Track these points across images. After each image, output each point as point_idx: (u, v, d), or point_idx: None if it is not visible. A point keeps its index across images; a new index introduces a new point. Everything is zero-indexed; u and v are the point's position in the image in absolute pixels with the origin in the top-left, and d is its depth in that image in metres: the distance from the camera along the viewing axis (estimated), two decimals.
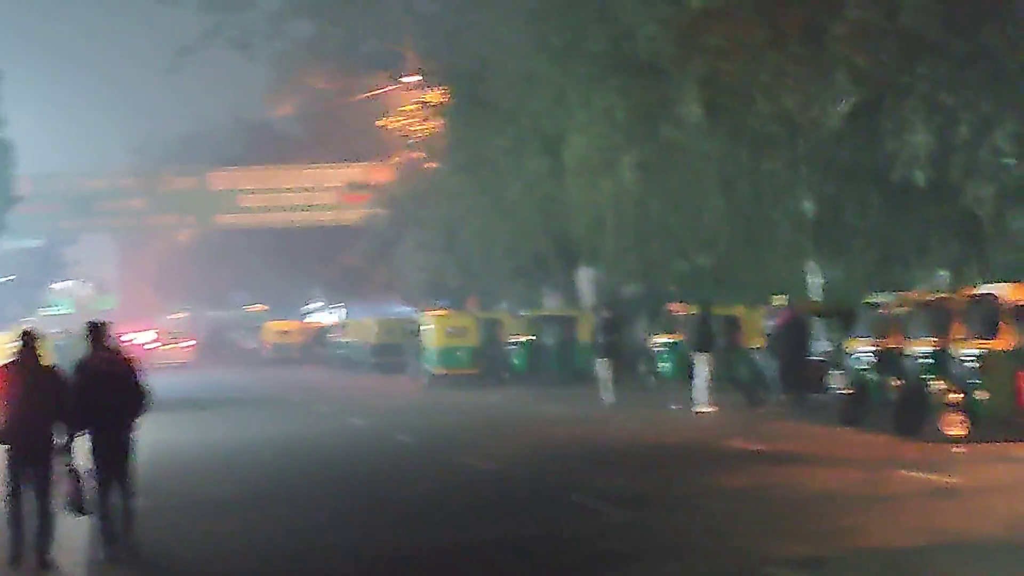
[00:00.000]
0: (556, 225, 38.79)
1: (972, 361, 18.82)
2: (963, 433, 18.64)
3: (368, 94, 61.49)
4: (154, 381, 38.92)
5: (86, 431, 12.23)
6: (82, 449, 12.29)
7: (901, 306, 21.92)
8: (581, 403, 29.65)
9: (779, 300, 26.82)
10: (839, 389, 22.90)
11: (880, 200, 27.28)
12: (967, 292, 20.40)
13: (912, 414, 19.81)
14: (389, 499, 15.68)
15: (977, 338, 19.00)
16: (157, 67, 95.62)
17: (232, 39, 62.56)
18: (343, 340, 56.75)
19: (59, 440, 12.07)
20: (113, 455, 12.40)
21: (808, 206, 29.15)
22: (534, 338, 38.72)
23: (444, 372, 38.81)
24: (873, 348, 21.77)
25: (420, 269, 51.99)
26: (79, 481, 12.07)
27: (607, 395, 27.68)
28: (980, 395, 18.61)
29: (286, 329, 69.97)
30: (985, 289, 20.01)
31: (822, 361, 24.85)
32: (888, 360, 21.29)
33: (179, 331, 78.90)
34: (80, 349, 13.79)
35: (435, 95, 49.75)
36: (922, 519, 12.59)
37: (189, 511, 15.57)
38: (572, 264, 43.21)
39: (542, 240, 41.09)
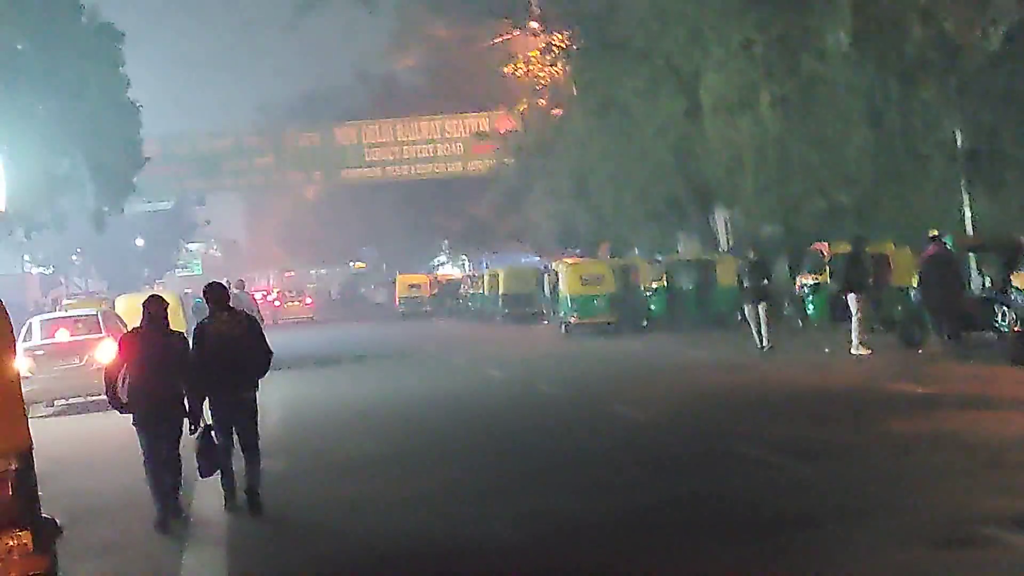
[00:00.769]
0: (691, 167, 37.64)
1: None
2: None
3: (491, 42, 60.53)
4: (285, 338, 38.36)
5: (208, 392, 12.42)
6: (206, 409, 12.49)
7: None
8: (726, 348, 28.62)
9: (932, 233, 25.35)
10: (1007, 327, 21.66)
11: None
12: None
13: None
14: (545, 456, 14.69)
15: None
16: (279, 24, 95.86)
17: None
18: (474, 291, 56.21)
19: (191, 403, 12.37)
20: (235, 415, 12.52)
21: (961, 137, 27.75)
22: (671, 283, 37.71)
23: (580, 320, 37.96)
24: None
25: (550, 217, 51.19)
26: (209, 441, 12.32)
27: (760, 340, 26.48)
28: None
29: (416, 282, 69.73)
30: None
31: (984, 298, 23.56)
32: None
33: (299, 288, 79.44)
34: None
35: (560, 39, 48.69)
36: None
37: (329, 473, 14.86)
38: (707, 207, 42.08)
39: (677, 183, 39.96)
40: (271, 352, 12.87)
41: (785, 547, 9.50)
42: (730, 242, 43.01)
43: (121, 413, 12.44)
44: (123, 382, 12.28)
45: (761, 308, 26.45)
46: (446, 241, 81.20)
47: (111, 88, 38.03)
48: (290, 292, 79.18)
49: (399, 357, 34.55)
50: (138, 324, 12.73)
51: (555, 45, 48.21)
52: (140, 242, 76.31)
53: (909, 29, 24.79)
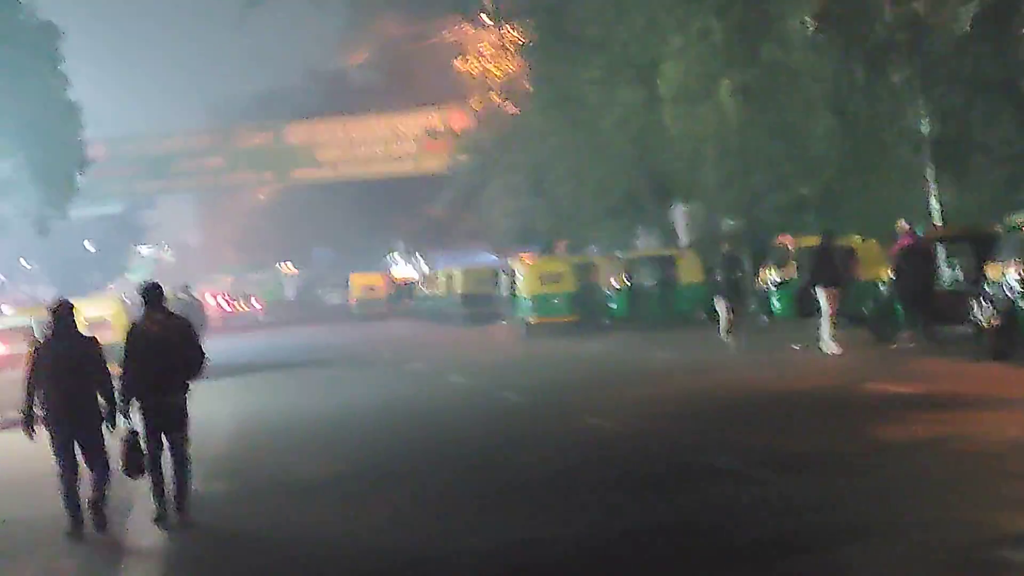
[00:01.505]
0: (651, 159, 36.76)
1: None
2: None
3: (442, 37, 59.45)
4: (235, 343, 37.07)
5: (136, 395, 12.15)
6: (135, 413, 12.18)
7: None
8: (691, 348, 27.76)
9: (900, 227, 24.51)
10: (984, 321, 20.89)
11: (1012, 114, 25.04)
12: None
13: None
14: (513, 474, 13.57)
15: None
16: (226, 21, 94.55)
17: None
18: (430, 292, 55.20)
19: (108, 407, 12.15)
20: (165, 419, 12.21)
21: (928, 124, 26.97)
22: (632, 281, 36.83)
23: (540, 320, 37.02)
24: None
25: (507, 215, 50.19)
26: (135, 444, 12.05)
27: (730, 339, 25.56)
28: None
29: (371, 283, 68.63)
30: None
31: (956, 291, 22.80)
32: None
33: (247, 291, 78.40)
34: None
35: (513, 33, 47.71)
36: None
37: (280, 495, 13.72)
38: (666, 201, 41.25)
39: (635, 177, 39.11)
40: (204, 355, 12.58)
41: None
42: (690, 236, 42.21)
43: (29, 432, 12.16)
44: (35, 393, 12.15)
45: (728, 304, 25.61)
46: (401, 241, 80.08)
47: (50, 87, 36.74)
48: (237, 295, 77.95)
49: (355, 363, 33.48)
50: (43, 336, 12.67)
51: (508, 38, 47.18)
52: (90, 247, 74.89)
53: (879, 9, 23.82)
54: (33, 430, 12.19)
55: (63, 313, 12.33)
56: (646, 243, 44.82)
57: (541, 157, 43.78)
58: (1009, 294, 19.95)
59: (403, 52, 65.22)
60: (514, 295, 38.73)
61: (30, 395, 12.16)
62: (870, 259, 27.76)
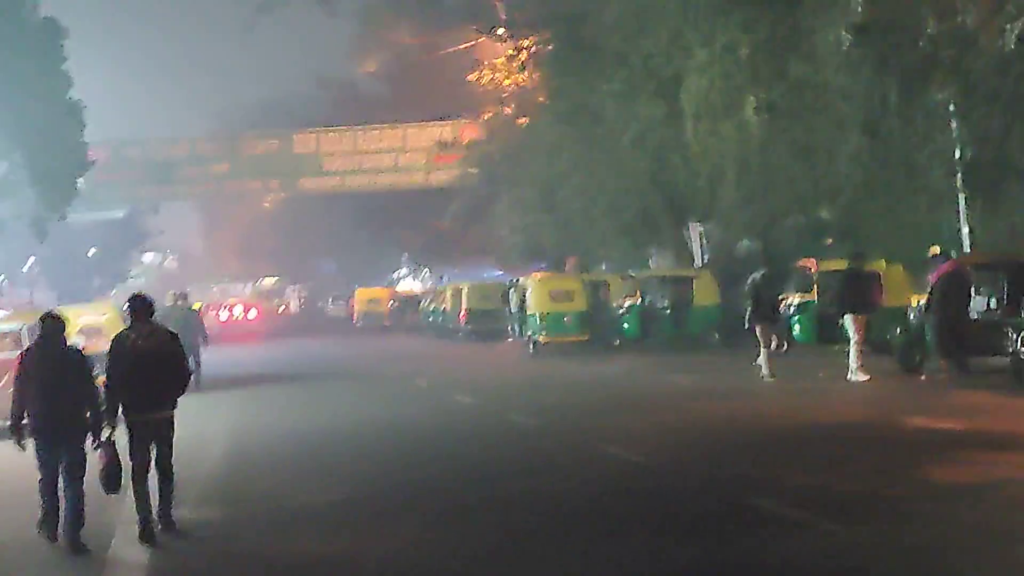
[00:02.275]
0: (668, 176, 35.68)
1: None
2: None
3: (455, 47, 58.52)
4: (233, 355, 35.77)
5: (122, 408, 11.88)
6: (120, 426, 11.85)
7: None
8: (708, 372, 26.66)
9: (934, 252, 23.37)
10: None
11: None
12: None
13: None
14: (528, 510, 12.31)
15: None
16: (236, 26, 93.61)
17: None
18: (435, 307, 54.13)
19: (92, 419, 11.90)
20: (150, 434, 11.96)
21: (962, 146, 25.88)
22: (644, 301, 35.70)
23: (549, 339, 35.89)
24: None
25: (516, 230, 49.21)
26: (115, 458, 11.75)
27: (768, 366, 24.23)
28: None
29: (376, 296, 67.65)
30: None
31: (992, 321, 21.70)
32: None
33: (243, 302, 77.87)
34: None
35: (528, 43, 46.73)
36: None
37: (275, 524, 12.56)
38: (681, 220, 40.19)
39: (650, 194, 38.04)
40: (189, 370, 12.60)
41: None
42: (705, 257, 41.12)
43: (19, 443, 11.92)
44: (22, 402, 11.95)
45: (767, 329, 24.45)
46: (406, 255, 79.07)
47: (53, 87, 35.70)
48: (237, 305, 77.10)
49: (357, 378, 32.34)
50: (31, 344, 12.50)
51: (524, 49, 46.14)
52: (92, 252, 73.96)
53: (924, 23, 22.62)
54: (22, 441, 11.94)
55: (51, 324, 12.18)
56: (658, 262, 43.73)
57: (552, 172, 42.78)
58: None
59: (414, 62, 64.31)
60: (523, 312, 37.62)
61: (18, 404, 11.95)
62: (895, 285, 26.65)
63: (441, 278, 70.56)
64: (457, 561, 10.39)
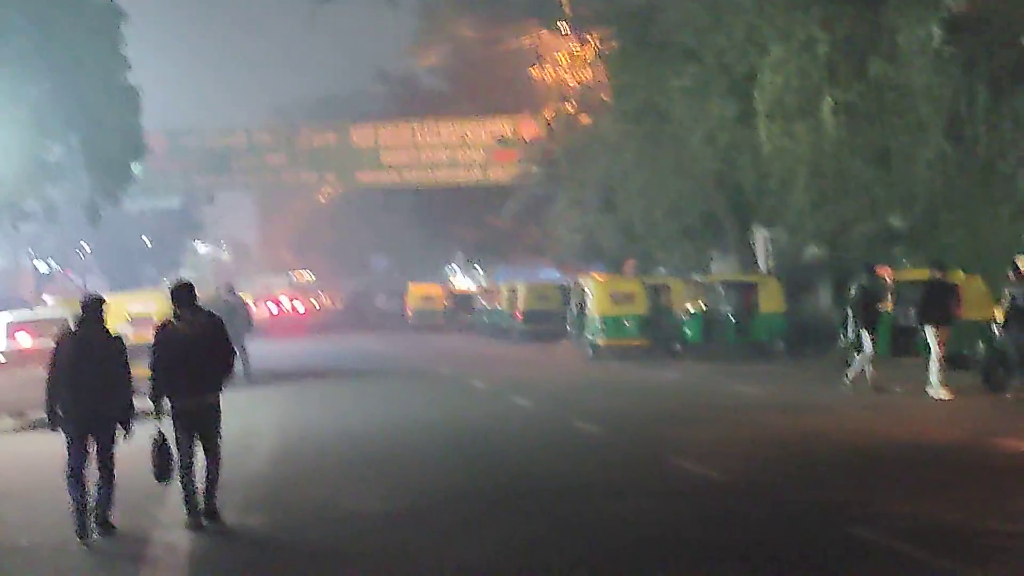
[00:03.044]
0: (736, 178, 34.56)
1: None
2: None
3: (518, 42, 57.55)
4: (283, 350, 34.89)
5: (167, 396, 11.86)
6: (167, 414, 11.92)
7: None
8: (774, 383, 25.57)
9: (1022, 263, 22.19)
10: None
11: None
12: None
13: None
14: (603, 532, 11.20)
15: None
16: (297, 17, 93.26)
17: None
18: (490, 306, 53.26)
19: (138, 407, 11.93)
20: (197, 420, 11.95)
21: None
22: (708, 306, 34.61)
23: (610, 343, 34.87)
24: None
25: (574, 230, 48.18)
26: (164, 447, 11.83)
27: (872, 378, 23.12)
28: None
29: (429, 294, 66.85)
30: None
31: None
32: None
33: (290, 294, 77.18)
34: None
35: (593, 39, 45.72)
36: None
37: (324, 534, 11.66)
38: (747, 224, 39.06)
39: (715, 196, 36.94)
40: (235, 354, 12.43)
41: None
42: (770, 262, 39.97)
43: (54, 429, 11.86)
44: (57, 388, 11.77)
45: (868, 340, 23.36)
46: (461, 252, 78.22)
47: (110, 70, 34.93)
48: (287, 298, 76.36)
49: (411, 375, 31.48)
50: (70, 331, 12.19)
51: (588, 45, 45.10)
52: (146, 240, 73.62)
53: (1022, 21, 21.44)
54: (57, 427, 11.87)
55: (92, 309, 12.02)
56: (720, 267, 42.60)
57: (614, 171, 41.70)
58: None
59: (476, 57, 63.37)
60: (582, 314, 36.63)
61: (52, 390, 11.79)
62: (975, 297, 25.45)
63: (497, 276, 69.72)
64: None
